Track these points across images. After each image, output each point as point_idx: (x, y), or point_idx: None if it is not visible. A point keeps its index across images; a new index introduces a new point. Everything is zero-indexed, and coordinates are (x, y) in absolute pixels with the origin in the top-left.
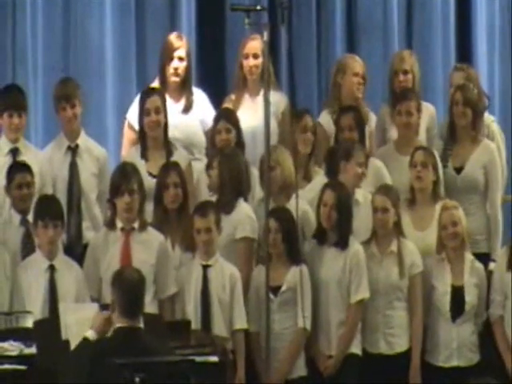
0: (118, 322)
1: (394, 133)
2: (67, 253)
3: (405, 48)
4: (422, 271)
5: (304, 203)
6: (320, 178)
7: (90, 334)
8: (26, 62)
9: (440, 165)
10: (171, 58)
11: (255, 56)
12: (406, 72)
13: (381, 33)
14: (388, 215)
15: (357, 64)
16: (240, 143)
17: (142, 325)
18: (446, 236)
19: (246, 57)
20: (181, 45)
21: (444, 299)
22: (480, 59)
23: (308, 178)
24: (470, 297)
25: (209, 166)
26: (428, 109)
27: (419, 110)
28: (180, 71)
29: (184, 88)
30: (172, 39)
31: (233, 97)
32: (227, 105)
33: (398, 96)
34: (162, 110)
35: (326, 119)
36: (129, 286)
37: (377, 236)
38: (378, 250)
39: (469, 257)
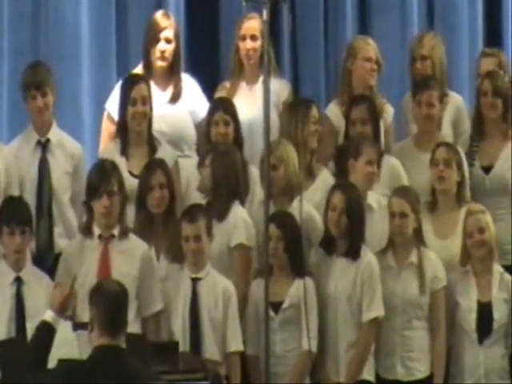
0: (97, 342)
1: (415, 127)
2: (36, 263)
3: (425, 29)
4: (445, 286)
5: (309, 206)
6: (326, 177)
7: (49, 315)
8: None
9: (465, 163)
10: (157, 40)
11: (253, 38)
12: (424, 58)
13: (398, 11)
14: (407, 221)
15: (370, 47)
16: (238, 139)
17: (124, 345)
18: (471, 244)
19: (243, 38)
20: (168, 24)
21: (469, 317)
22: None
23: (312, 175)
24: (499, 314)
25: (200, 164)
26: (454, 99)
27: (442, 100)
28: (167, 54)
29: (172, 74)
30: (158, 18)
31: (227, 84)
32: (221, 93)
33: (417, 85)
34: (148, 100)
35: (334, 111)
36: (109, 298)
37: (394, 245)
38: (395, 261)
39: (497, 269)
